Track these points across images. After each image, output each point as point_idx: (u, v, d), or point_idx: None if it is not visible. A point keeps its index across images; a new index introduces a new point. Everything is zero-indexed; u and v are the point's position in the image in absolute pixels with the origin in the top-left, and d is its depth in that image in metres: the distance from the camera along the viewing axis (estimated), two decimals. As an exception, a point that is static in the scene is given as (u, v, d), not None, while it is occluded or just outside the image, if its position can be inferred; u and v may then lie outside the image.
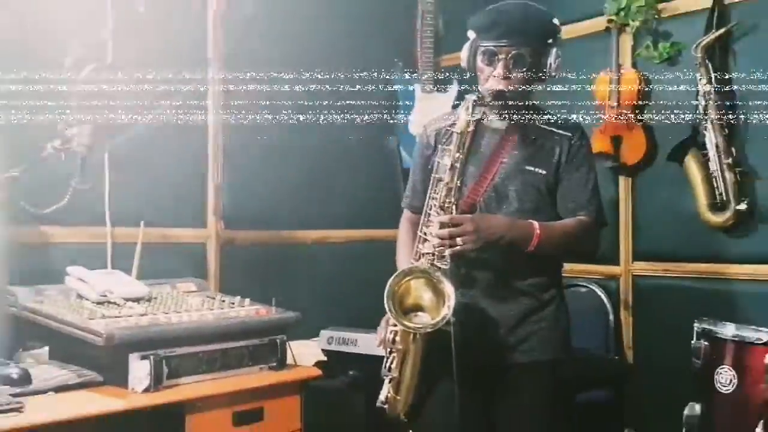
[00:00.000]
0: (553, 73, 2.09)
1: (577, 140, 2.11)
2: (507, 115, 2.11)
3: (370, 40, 3.57)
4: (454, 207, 2.00)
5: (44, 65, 2.52)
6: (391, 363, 2.03)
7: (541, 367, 2.07)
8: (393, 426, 2.11)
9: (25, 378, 2.03)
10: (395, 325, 1.98)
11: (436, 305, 1.94)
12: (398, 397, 2.03)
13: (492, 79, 2.05)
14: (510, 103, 2.07)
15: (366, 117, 3.55)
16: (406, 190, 2.34)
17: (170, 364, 2.15)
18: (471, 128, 2.00)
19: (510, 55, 2.03)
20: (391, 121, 3.62)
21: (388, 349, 2.03)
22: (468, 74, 2.15)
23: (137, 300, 2.36)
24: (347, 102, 3.46)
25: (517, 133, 2.11)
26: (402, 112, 3.62)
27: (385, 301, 1.91)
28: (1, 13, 2.45)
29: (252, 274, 3.03)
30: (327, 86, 3.36)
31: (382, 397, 2.05)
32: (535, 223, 2.01)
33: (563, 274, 2.23)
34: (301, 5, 3.29)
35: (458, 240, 1.93)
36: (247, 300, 2.52)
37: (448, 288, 1.92)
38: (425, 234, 2.02)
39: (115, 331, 2.07)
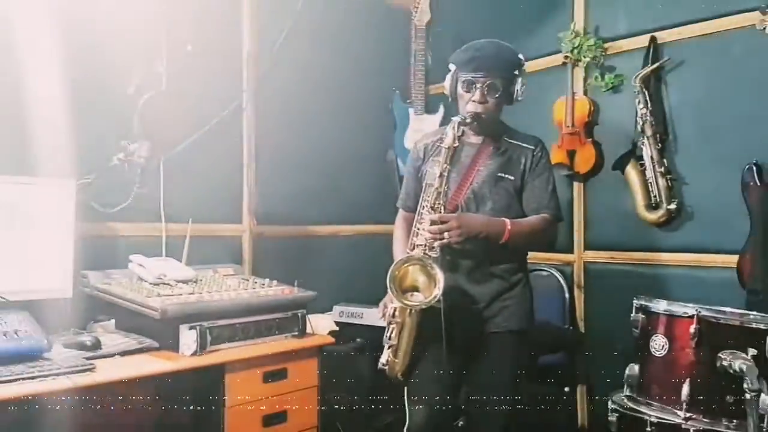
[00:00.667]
0: (520, 98, 2.11)
1: (539, 152, 2.14)
2: (482, 132, 2.14)
3: (373, 74, 3.56)
4: (442, 207, 2.02)
5: (111, 93, 2.54)
6: (391, 333, 2.04)
7: (510, 336, 2.10)
8: (391, 382, 2.12)
9: (96, 344, 2.04)
10: (395, 303, 1.99)
11: (428, 286, 1.95)
12: (396, 360, 2.05)
13: (471, 104, 2.07)
14: (485, 122, 2.09)
15: (370, 134, 3.56)
16: (401, 193, 2.34)
17: (212, 333, 2.15)
18: (456, 144, 2.01)
19: (485, 84, 2.05)
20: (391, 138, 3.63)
21: (389, 322, 2.05)
22: (450, 100, 2.16)
23: (186, 282, 2.36)
24: (355, 122, 3.48)
25: (490, 146, 2.13)
26: (399, 130, 3.62)
27: (387, 283, 1.93)
28: (79, 48, 2.45)
29: (278, 260, 3.02)
30: (337, 109, 3.38)
31: (383, 360, 2.07)
32: (507, 220, 2.03)
33: (529, 262, 2.24)
34: (319, 45, 3.28)
35: (445, 234, 1.95)
36: (275, 282, 2.52)
37: (439, 273, 1.94)
38: (419, 229, 2.03)
39: (168, 307, 2.08)
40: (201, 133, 2.79)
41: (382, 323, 2.11)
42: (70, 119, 2.41)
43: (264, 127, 3.09)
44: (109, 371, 1.89)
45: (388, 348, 2.05)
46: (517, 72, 2.09)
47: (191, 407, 2.15)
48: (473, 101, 2.06)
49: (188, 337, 2.10)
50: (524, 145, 2.14)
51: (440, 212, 2.01)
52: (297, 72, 3.20)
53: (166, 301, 2.12)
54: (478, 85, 2.05)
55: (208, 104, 2.86)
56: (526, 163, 2.12)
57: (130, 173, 2.51)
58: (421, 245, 2.01)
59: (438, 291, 1.92)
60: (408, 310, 1.99)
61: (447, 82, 2.14)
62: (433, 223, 1.97)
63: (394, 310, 2.03)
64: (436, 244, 1.97)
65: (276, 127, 3.14)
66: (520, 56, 2.12)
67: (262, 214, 3.06)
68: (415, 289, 1.99)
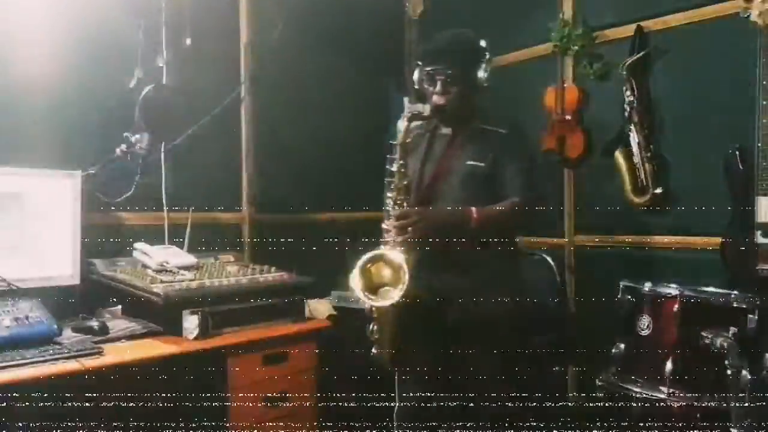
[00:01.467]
0: (485, 84, 2.06)
1: (510, 133, 2.08)
2: (451, 123, 2.11)
3: (369, 64, 3.57)
4: (404, 203, 1.98)
5: (114, 87, 2.56)
6: (374, 327, 2.03)
7: (494, 323, 2.06)
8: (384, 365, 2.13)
9: (104, 329, 2.08)
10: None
11: (396, 279, 1.91)
12: (383, 351, 2.04)
13: (434, 96, 2.04)
14: (450, 113, 2.05)
15: (368, 122, 3.57)
16: None
17: (214, 318, 2.17)
18: (409, 139, 1.98)
19: (446, 76, 2.01)
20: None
21: (369, 317, 2.03)
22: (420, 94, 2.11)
23: (188, 268, 2.39)
24: (353, 110, 3.48)
25: (460, 136, 2.10)
26: (394, 119, 3.62)
27: (353, 287, 1.92)
28: (82, 44, 2.47)
29: (278, 247, 3.00)
30: (335, 99, 3.39)
31: (374, 350, 2.06)
32: (473, 209, 1.99)
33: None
34: (316, 36, 3.28)
35: (408, 229, 1.93)
36: (274, 268, 2.53)
37: (402, 264, 1.89)
38: (386, 225, 2.00)
39: (171, 293, 2.11)
40: (201, 123, 2.81)
41: (362, 303, 2.08)
42: (75, 113, 2.45)
43: (263, 117, 3.10)
44: (116, 354, 1.93)
45: (374, 341, 2.05)
46: (478, 59, 2.05)
47: (195, 389, 2.16)
48: (435, 93, 2.04)
49: (191, 322, 2.12)
50: (495, 129, 2.08)
51: (403, 208, 1.97)
52: (295, 62, 3.21)
53: (168, 287, 2.15)
54: (439, 78, 2.02)
55: (207, 95, 2.87)
56: (495, 147, 2.06)
57: (133, 164, 2.52)
58: (389, 242, 1.97)
59: (403, 285, 1.87)
60: (381, 308, 1.96)
61: (415, 77, 2.11)
62: (396, 218, 1.95)
63: (371, 308, 1.99)
64: (399, 239, 1.94)
65: (274, 117, 3.15)
66: (482, 43, 2.08)
67: (262, 201, 3.09)
68: (385, 284, 1.96)
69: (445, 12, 3.50)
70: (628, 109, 2.85)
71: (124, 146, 2.47)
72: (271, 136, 3.13)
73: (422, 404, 2.12)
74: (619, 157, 2.90)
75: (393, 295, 1.89)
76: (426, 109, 2.06)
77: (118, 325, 2.15)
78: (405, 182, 1.99)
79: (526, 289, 2.21)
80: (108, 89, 2.54)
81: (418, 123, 2.13)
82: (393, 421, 2.17)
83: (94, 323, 2.09)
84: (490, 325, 2.06)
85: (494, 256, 2.09)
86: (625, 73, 2.84)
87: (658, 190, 2.82)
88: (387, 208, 2.02)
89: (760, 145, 2.43)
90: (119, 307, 2.31)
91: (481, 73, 2.05)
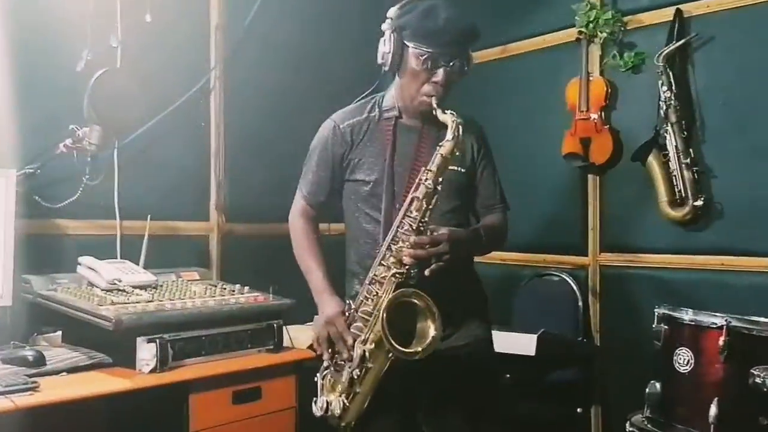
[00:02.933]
0: (465, 75, 1.97)
1: (481, 137, 2.06)
2: (421, 115, 1.97)
3: (358, 49, 3.55)
4: (426, 228, 1.83)
5: (58, 70, 2.52)
6: (353, 377, 1.84)
7: (477, 347, 1.99)
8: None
9: (40, 360, 2.03)
10: (366, 343, 1.81)
11: (424, 329, 1.80)
12: (352, 407, 1.88)
13: (430, 86, 1.90)
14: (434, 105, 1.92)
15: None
16: (307, 182, 2.12)
17: (175, 347, 2.15)
18: (457, 153, 1.85)
19: (452, 63, 1.90)
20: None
21: (352, 366, 1.85)
22: (384, 70, 1.96)
23: (144, 288, 2.35)
24: (339, 104, 3.46)
25: (431, 131, 1.97)
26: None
27: (381, 331, 1.74)
28: (19, 18, 2.43)
29: (251, 263, 3.02)
30: (315, 90, 3.37)
31: (333, 408, 1.88)
32: (481, 230, 1.98)
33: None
34: (297, 18, 3.29)
35: (432, 259, 1.79)
36: (247, 288, 2.52)
37: (435, 309, 1.79)
38: (393, 250, 1.83)
39: (123, 317, 2.06)
40: (162, 116, 2.79)
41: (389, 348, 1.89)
42: (9, 101, 2.40)
43: (235, 111, 3.09)
44: (54, 391, 1.88)
45: (341, 395, 1.87)
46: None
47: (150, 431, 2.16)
48: (434, 83, 1.90)
49: (146, 352, 2.09)
50: (466, 126, 1.94)
51: (425, 233, 1.81)
52: (272, 47, 3.20)
53: (120, 310, 2.11)
54: (444, 65, 1.89)
55: (170, 84, 2.85)
56: (473, 149, 2.02)
57: (80, 163, 2.49)
58: (402, 273, 1.80)
59: (436, 333, 1.77)
60: (387, 356, 1.79)
61: (386, 49, 1.93)
62: (419, 246, 1.78)
63: (364, 354, 1.81)
64: (427, 273, 1.78)
65: (248, 110, 3.14)
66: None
67: (233, 209, 3.07)
68: (409, 332, 1.81)
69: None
70: (664, 106, 2.86)
71: (69, 141, 2.44)
72: (245, 131, 3.12)
73: None
74: (653, 162, 2.91)
75: (422, 344, 1.78)
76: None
77: (58, 355, 2.11)
78: (435, 200, 1.83)
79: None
80: (51, 73, 2.51)
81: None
82: None
83: (29, 353, 2.05)
84: (471, 349, 1.98)
85: (474, 274, 2.08)
86: (661, 64, 2.85)
87: (699, 202, 2.82)
88: (400, 230, 1.84)
89: (819, 150, 2.43)
90: (59, 333, 2.27)
91: (470, 61, 1.97)
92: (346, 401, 1.87)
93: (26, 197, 2.38)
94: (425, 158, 1.91)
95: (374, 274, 1.86)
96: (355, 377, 1.84)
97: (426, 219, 1.83)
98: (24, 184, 2.36)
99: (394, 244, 1.84)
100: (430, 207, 1.83)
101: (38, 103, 2.47)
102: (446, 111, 1.87)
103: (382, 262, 1.85)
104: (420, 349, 1.77)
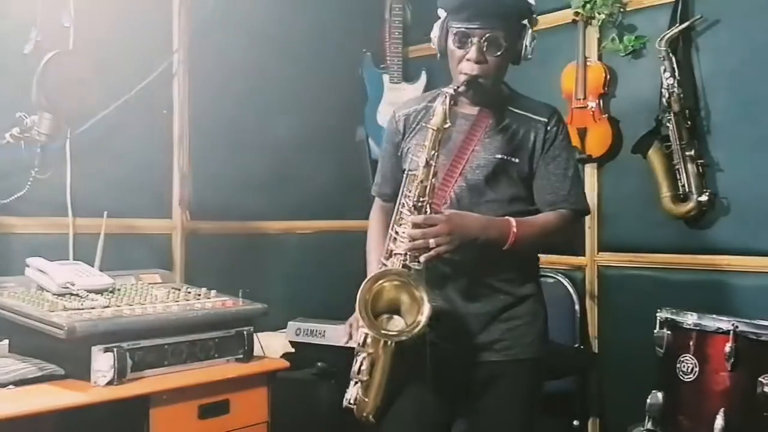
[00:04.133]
0: (529, 56, 2.02)
1: (554, 126, 2.04)
2: (480, 101, 2.04)
3: (337, 31, 3.58)
4: (428, 206, 1.92)
5: (3, 51, 2.50)
6: (361, 365, 1.95)
7: (518, 366, 2.01)
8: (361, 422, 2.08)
9: (-16, 372, 2.00)
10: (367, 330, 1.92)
11: (410, 309, 1.88)
12: (366, 400, 1.96)
13: (465, 63, 1.96)
14: (484, 86, 1.98)
15: (335, 107, 3.56)
16: (376, 177, 2.27)
17: (134, 357, 2.12)
18: (447, 124, 1.91)
19: (484, 38, 1.93)
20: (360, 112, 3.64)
21: (357, 351, 1.97)
22: (439, 57, 2.06)
23: (100, 292, 2.32)
24: (317, 92, 3.47)
25: (489, 119, 2.04)
26: (370, 102, 3.63)
27: (356, 307, 1.85)
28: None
29: (218, 265, 3.03)
30: (294, 76, 3.37)
31: (349, 397, 1.98)
32: (513, 221, 1.94)
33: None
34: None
35: (431, 242, 1.86)
36: (213, 291, 2.50)
37: (424, 293, 1.86)
38: (396, 233, 1.94)
39: (77, 324, 2.03)
40: (119, 103, 2.77)
41: (350, 344, 2.05)
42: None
43: (200, 97, 3.08)
44: (1, 405, 1.86)
45: (354, 384, 1.98)
46: (525, 21, 2.01)
47: None
48: (468, 60, 1.96)
49: (103, 362, 2.07)
50: (535, 117, 2.04)
51: (425, 212, 1.90)
52: (243, 28, 3.19)
53: (74, 316, 2.09)
54: (475, 39, 1.94)
55: (128, 67, 2.84)
56: (537, 141, 2.02)
57: (28, 154, 2.48)
58: (399, 254, 1.92)
59: (422, 318, 1.83)
60: (382, 341, 1.90)
61: (434, 34, 2.04)
62: (415, 226, 1.88)
63: (366, 337, 1.93)
64: (422, 258, 1.87)
65: (216, 97, 3.13)
66: (531, 1, 2.03)
67: (198, 206, 3.06)
68: (394, 311, 1.91)
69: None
70: (666, 94, 2.88)
71: (16, 130, 2.42)
72: (212, 120, 3.12)
73: None
74: (654, 155, 2.94)
75: (406, 325, 1.87)
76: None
77: (5, 366, 2.08)
78: (432, 180, 1.92)
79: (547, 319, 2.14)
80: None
81: (424, 100, 2.10)
82: None
83: None
84: (516, 370, 2.01)
85: (520, 279, 2.05)
86: (663, 48, 2.87)
87: (704, 198, 2.85)
88: (401, 209, 1.95)
89: (832, 141, 2.47)
90: (6, 342, 2.26)
91: (528, 41, 2.00)
92: (360, 392, 1.96)
93: (-31, 192, 2.37)
94: (474, 148, 2.00)
95: (383, 257, 1.96)
96: (364, 366, 1.93)
97: (425, 197, 1.91)
98: (-33, 177, 2.35)
99: (398, 226, 1.94)
100: (426, 184, 1.90)
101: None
102: (458, 86, 1.94)
103: (389, 244, 1.95)
104: (396, 332, 1.87)
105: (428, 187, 1.92)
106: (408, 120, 2.13)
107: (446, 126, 1.91)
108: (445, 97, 1.91)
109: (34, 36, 2.50)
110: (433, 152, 1.91)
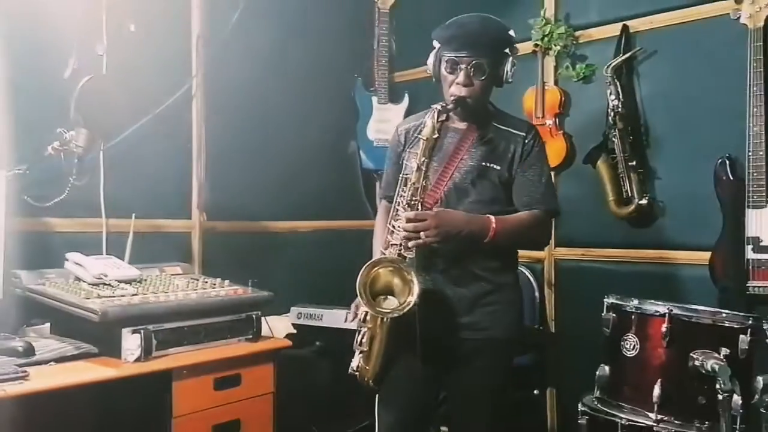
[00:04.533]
0: (510, 80, 2.04)
1: (531, 140, 2.06)
2: (468, 118, 2.07)
3: (333, 59, 3.57)
4: (420, 204, 1.95)
5: (45, 76, 2.48)
6: (362, 338, 1.99)
7: (494, 345, 2.04)
8: (355, 388, 2.09)
9: (29, 350, 2.00)
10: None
11: (402, 291, 1.91)
12: (367, 367, 2.01)
13: (454, 86, 2.00)
14: (470, 106, 2.02)
15: (331, 123, 3.56)
16: (382, 182, 2.31)
17: (158, 338, 2.12)
18: (436, 135, 1.94)
19: (470, 65, 1.97)
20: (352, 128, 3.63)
21: (359, 326, 2.01)
22: (434, 81, 2.09)
23: (129, 282, 2.32)
24: (315, 110, 3.47)
25: (475, 132, 2.06)
26: (361, 120, 3.63)
27: (357, 289, 1.88)
28: (10, 27, 2.38)
29: (231, 259, 3.00)
30: (296, 97, 3.37)
31: (354, 365, 2.02)
32: (492, 218, 1.96)
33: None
34: (276, 28, 3.27)
35: (422, 234, 1.89)
36: (227, 281, 2.50)
37: (414, 277, 1.89)
38: (393, 227, 1.97)
39: (109, 309, 2.03)
40: (146, 120, 2.75)
41: (344, 325, 2.11)
42: (0, 106, 2.36)
43: (215, 115, 3.06)
44: (43, 379, 1.86)
45: (359, 354, 2.01)
46: (507, 50, 2.03)
47: (136, 417, 2.13)
48: (457, 83, 1.99)
49: (131, 342, 2.07)
50: (514, 131, 2.06)
51: (417, 209, 1.94)
52: (251, 56, 3.18)
53: (106, 302, 2.08)
54: (462, 66, 1.97)
55: (153, 90, 2.82)
56: (516, 151, 2.04)
57: (67, 164, 2.45)
58: (395, 244, 1.96)
59: (412, 298, 1.87)
60: (379, 318, 1.94)
61: (429, 61, 2.07)
62: (408, 220, 1.91)
63: (366, 314, 1.97)
64: (411, 244, 1.92)
65: (228, 115, 3.12)
66: (511, 33, 2.06)
67: (213, 208, 3.04)
68: (389, 293, 1.94)
69: (417, 5, 3.51)
70: (612, 113, 2.89)
71: (57, 144, 2.40)
72: (225, 135, 3.10)
73: (404, 429, 2.09)
74: (601, 165, 2.94)
75: (401, 306, 1.89)
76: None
77: (47, 345, 2.07)
78: (423, 182, 1.95)
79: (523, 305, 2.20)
80: (39, 79, 2.47)
81: (421, 117, 2.11)
82: None
83: (18, 344, 2.01)
84: (492, 347, 2.04)
85: (499, 269, 2.07)
86: (609, 75, 2.88)
87: (644, 201, 2.86)
88: (397, 207, 1.98)
89: (750, 154, 2.49)
90: (48, 325, 2.24)
91: (508, 67, 2.03)
92: (362, 361, 2.01)
93: (16, 197, 2.33)
94: (462, 156, 2.03)
95: (383, 247, 2.00)
96: (364, 339, 1.98)
97: (417, 197, 1.95)
98: (14, 184, 2.30)
99: (394, 221, 1.97)
100: (418, 186, 1.94)
101: (28, 108, 2.42)
102: (448, 105, 1.98)
103: (388, 236, 1.99)
104: (389, 309, 1.91)
105: (419, 189, 1.95)
106: (408, 133, 2.16)
107: (435, 136, 1.94)
108: (434, 111, 1.94)
109: (72, 63, 2.48)
110: (423, 158, 1.94)
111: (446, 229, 1.92)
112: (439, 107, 1.95)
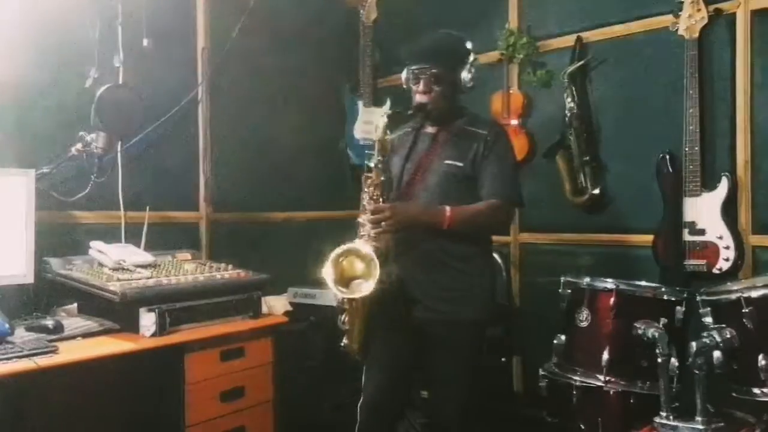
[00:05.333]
0: (468, 86, 2.05)
1: (491, 136, 2.05)
2: (435, 122, 2.09)
3: (324, 67, 3.56)
4: (381, 198, 1.96)
5: (69, 86, 2.49)
6: (344, 318, 2.00)
7: (464, 324, 2.04)
8: (344, 358, 2.12)
9: (59, 327, 2.02)
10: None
11: (368, 272, 1.90)
12: (353, 344, 2.03)
13: (417, 95, 2.04)
14: (433, 111, 2.04)
15: (322, 125, 3.57)
16: None
17: (171, 315, 2.13)
18: (387, 136, 1.95)
19: (428, 75, 2.00)
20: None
21: (340, 308, 2.02)
22: (399, 90, 2.11)
23: (145, 266, 2.34)
24: (307, 114, 3.48)
25: (443, 134, 2.08)
26: (349, 122, 3.63)
27: (326, 279, 1.88)
28: (37, 43, 2.40)
29: (234, 245, 3.01)
30: (291, 101, 3.38)
31: (343, 342, 2.05)
32: (447, 207, 1.96)
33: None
34: (272, 41, 3.26)
35: (382, 224, 1.91)
36: (231, 266, 2.50)
37: (373, 257, 1.88)
38: (361, 220, 1.98)
39: (128, 291, 2.06)
40: (158, 123, 2.75)
41: (335, 303, 2.10)
42: (28, 112, 2.38)
43: (219, 119, 3.06)
44: (71, 353, 1.88)
45: (344, 332, 2.03)
46: (462, 60, 2.03)
47: (153, 385, 2.15)
48: (419, 92, 2.03)
49: (148, 319, 2.08)
50: (478, 131, 2.05)
51: (378, 203, 1.95)
52: (251, 65, 3.18)
53: (125, 285, 2.10)
54: (423, 77, 2.01)
55: (164, 96, 2.82)
56: (478, 149, 2.02)
57: (89, 163, 2.45)
58: (363, 235, 1.96)
59: (374, 278, 1.85)
60: (352, 300, 1.94)
61: (403, 76, 2.10)
62: (370, 213, 1.93)
63: (342, 299, 1.96)
64: (373, 233, 1.92)
65: (231, 119, 3.11)
66: (467, 45, 2.06)
67: (219, 201, 3.05)
68: (358, 276, 1.94)
69: (397, 19, 3.52)
70: (568, 114, 2.91)
71: (79, 145, 2.40)
72: (228, 137, 3.10)
73: (386, 395, 2.11)
74: (559, 160, 2.97)
75: (365, 288, 1.88)
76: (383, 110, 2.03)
77: (74, 323, 2.09)
78: (382, 178, 1.96)
79: (495, 288, 2.18)
80: (64, 88, 2.47)
81: (406, 124, 2.12)
82: (357, 414, 2.14)
83: (49, 322, 2.03)
84: (463, 327, 2.04)
85: (468, 255, 2.06)
86: (565, 80, 2.91)
87: (596, 191, 2.90)
88: (363, 202, 1.98)
89: (687, 149, 2.54)
90: (75, 305, 2.25)
91: (465, 74, 2.03)
92: (347, 337, 2.02)
93: (44, 193, 2.35)
94: (430, 158, 2.03)
95: (356, 239, 1.97)
96: (346, 319, 1.98)
97: (379, 193, 1.95)
98: (42, 181, 2.32)
99: (362, 215, 1.97)
100: (378, 183, 1.94)
101: (53, 114, 2.43)
102: (410, 112, 2.01)
103: (359, 229, 1.97)
104: (355, 295, 1.89)
105: (379, 185, 1.95)
106: (395, 140, 2.15)
107: (387, 137, 1.95)
108: (384, 116, 1.94)
109: (93, 73, 2.49)
110: (378, 158, 1.94)
111: (401, 218, 1.93)
112: (389, 112, 1.94)
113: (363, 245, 1.92)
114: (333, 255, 1.91)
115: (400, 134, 2.15)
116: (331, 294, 2.06)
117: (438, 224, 1.96)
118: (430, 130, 2.11)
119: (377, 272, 1.86)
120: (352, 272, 1.94)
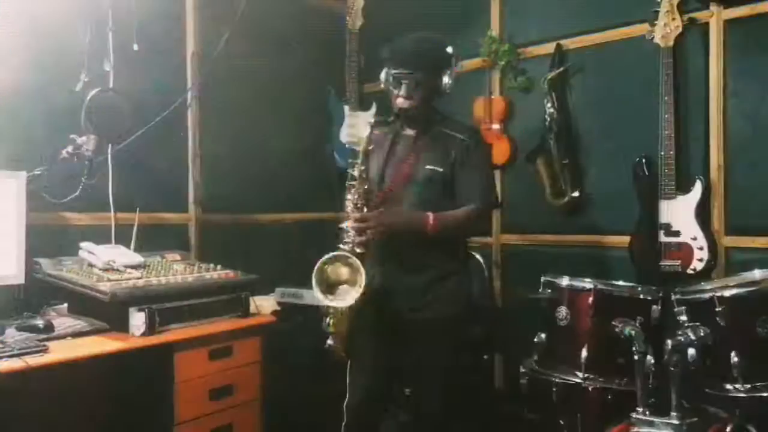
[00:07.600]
0: (448, 91, 2.02)
1: (470, 141, 2.03)
2: (414, 126, 2.08)
3: (311, 73, 3.56)
4: (364, 206, 1.94)
5: (60, 90, 2.47)
6: (329, 321, 1.98)
7: (443, 322, 2.04)
8: (329, 357, 2.11)
9: (49, 327, 2.00)
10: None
11: (354, 278, 1.90)
12: (337, 344, 2.02)
13: (398, 99, 2.01)
14: (414, 116, 2.03)
15: (308, 129, 3.57)
16: None
17: (161, 315, 2.12)
18: (371, 146, 1.94)
19: (409, 80, 1.97)
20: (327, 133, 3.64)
21: (324, 313, 1.99)
22: (384, 95, 2.09)
23: (135, 267, 2.32)
24: (294, 118, 3.48)
25: (422, 138, 2.06)
26: (335, 125, 3.63)
27: (314, 288, 1.87)
28: (30, 47, 2.38)
29: (223, 246, 3.00)
30: (278, 106, 3.37)
31: (329, 342, 2.04)
32: (430, 214, 1.95)
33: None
34: (260, 47, 3.26)
35: (367, 231, 1.90)
36: (219, 266, 2.50)
37: (360, 266, 1.87)
38: (345, 227, 1.97)
39: (118, 291, 2.05)
40: (147, 127, 2.73)
41: (321, 303, 2.07)
42: (20, 115, 2.37)
43: (208, 122, 3.06)
44: (61, 352, 1.86)
45: (330, 333, 2.02)
46: (444, 65, 2.01)
47: (142, 384, 2.14)
48: (400, 96, 2.00)
49: (137, 319, 2.07)
50: (457, 135, 2.03)
51: (362, 211, 1.94)
52: (239, 71, 3.17)
53: (115, 285, 2.09)
54: (403, 81, 1.98)
55: (154, 100, 2.80)
56: (457, 154, 2.00)
57: (79, 165, 2.43)
58: (348, 242, 1.95)
59: (360, 287, 1.85)
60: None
61: (382, 78, 2.07)
62: (354, 221, 1.92)
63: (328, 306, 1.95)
64: (357, 241, 1.91)
65: (219, 123, 3.11)
66: (449, 50, 2.03)
67: (207, 202, 3.04)
68: (343, 282, 1.94)
69: (382, 26, 3.52)
70: (548, 119, 2.93)
71: (70, 148, 2.39)
72: (217, 140, 3.09)
73: (371, 395, 2.12)
74: (540, 163, 2.99)
75: (350, 297, 1.88)
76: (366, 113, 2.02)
77: (64, 323, 2.07)
78: (366, 187, 1.94)
79: (472, 288, 2.19)
80: (55, 92, 2.45)
81: (383, 126, 2.10)
82: (343, 413, 2.14)
83: (39, 321, 2.01)
84: (442, 324, 2.04)
85: (447, 258, 2.07)
86: (546, 86, 2.93)
87: (575, 194, 2.92)
88: (347, 210, 1.96)
89: (662, 154, 2.58)
90: (65, 305, 2.23)
91: (446, 79, 2.01)
92: (332, 339, 2.00)
93: (35, 194, 2.33)
94: (411, 161, 2.00)
95: (340, 245, 1.95)
96: (330, 322, 1.96)
97: (362, 200, 1.92)
98: (33, 183, 2.31)
99: (347, 222, 1.95)
100: (360, 191, 1.93)
101: (44, 117, 2.42)
102: (391, 117, 1.99)
103: (343, 235, 1.95)
104: (340, 304, 1.89)
105: (362, 193, 1.93)
106: (374, 139, 2.07)
107: (370, 147, 1.94)
108: (369, 126, 1.92)
109: (83, 78, 2.47)
110: (363, 167, 1.93)
111: (387, 226, 1.92)
112: (372, 121, 1.93)
113: (350, 253, 1.91)
114: (320, 261, 1.90)
115: (377, 133, 2.09)
116: (318, 294, 2.04)
117: (422, 231, 1.96)
118: (409, 132, 2.09)
119: (363, 279, 1.86)
120: (337, 277, 1.94)
